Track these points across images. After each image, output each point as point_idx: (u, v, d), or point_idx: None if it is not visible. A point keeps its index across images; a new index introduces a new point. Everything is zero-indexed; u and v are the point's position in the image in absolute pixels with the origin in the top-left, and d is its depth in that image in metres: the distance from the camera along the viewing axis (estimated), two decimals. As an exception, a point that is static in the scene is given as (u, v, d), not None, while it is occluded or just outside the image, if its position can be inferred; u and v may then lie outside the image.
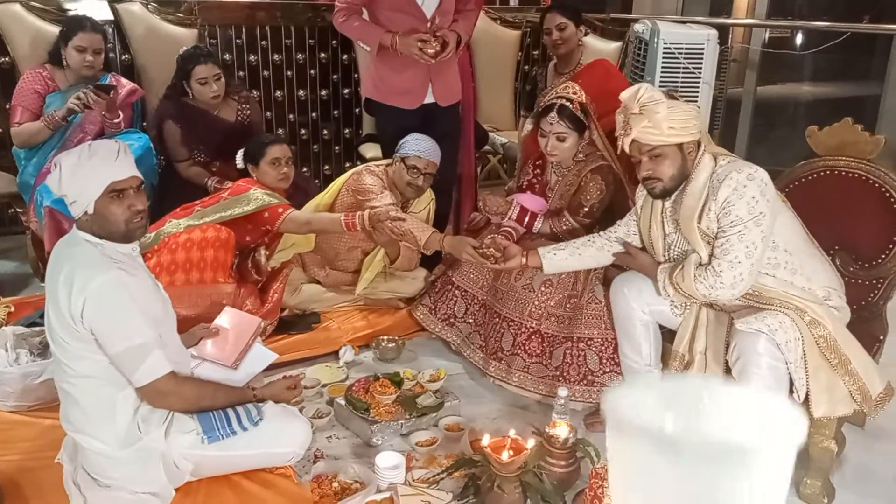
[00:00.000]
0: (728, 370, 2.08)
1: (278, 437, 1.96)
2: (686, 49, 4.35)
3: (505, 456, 1.88)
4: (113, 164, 1.80)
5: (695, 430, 0.97)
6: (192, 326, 2.32)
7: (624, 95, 2.08)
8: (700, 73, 4.38)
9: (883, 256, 2.25)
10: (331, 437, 2.35)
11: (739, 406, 1.11)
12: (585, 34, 3.47)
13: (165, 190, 3.25)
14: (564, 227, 2.70)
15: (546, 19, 3.43)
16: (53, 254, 1.88)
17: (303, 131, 4.52)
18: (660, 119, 2.00)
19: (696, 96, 4.36)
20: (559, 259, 2.44)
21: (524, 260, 2.46)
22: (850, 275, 2.27)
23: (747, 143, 5.39)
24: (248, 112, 3.42)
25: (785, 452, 0.92)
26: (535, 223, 2.73)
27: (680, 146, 2.07)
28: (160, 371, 1.81)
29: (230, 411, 1.93)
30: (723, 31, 4.69)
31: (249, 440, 1.91)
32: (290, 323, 2.91)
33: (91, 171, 1.79)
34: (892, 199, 2.21)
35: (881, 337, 2.23)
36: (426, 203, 3.09)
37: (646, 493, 1.04)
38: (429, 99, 3.14)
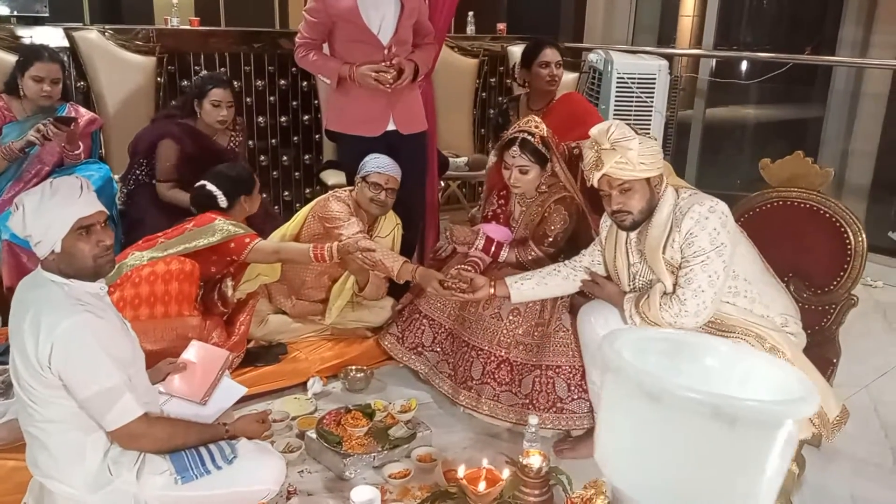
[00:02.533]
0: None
1: (253, 474, 1.93)
2: (639, 79, 4.50)
3: (482, 487, 1.90)
4: (77, 200, 1.77)
5: (678, 381, 1.12)
6: (157, 361, 2.28)
7: (594, 131, 2.14)
8: (652, 101, 4.53)
9: (834, 283, 2.36)
10: (302, 471, 2.33)
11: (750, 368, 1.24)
12: None
13: (132, 220, 3.21)
14: (530, 257, 2.75)
15: (546, 54, 3.36)
16: (17, 296, 1.83)
17: (262, 157, 4.51)
18: (632, 155, 2.07)
19: (649, 124, 4.51)
20: (526, 289, 2.49)
21: (492, 290, 2.51)
22: (803, 301, 2.37)
23: (697, 167, 5.57)
24: (239, 140, 3.45)
25: (769, 417, 1.03)
26: (501, 252, 2.78)
27: (648, 180, 2.14)
28: (132, 414, 1.77)
29: (203, 450, 1.90)
30: (670, 59, 4.86)
31: (224, 478, 1.88)
32: (257, 355, 2.88)
33: (55, 209, 1.75)
34: (843, 229, 2.32)
35: (834, 360, 2.33)
36: (391, 228, 3.11)
37: (633, 431, 1.16)
38: (391, 126, 3.17)
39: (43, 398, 1.75)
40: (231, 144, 3.41)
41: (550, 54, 3.36)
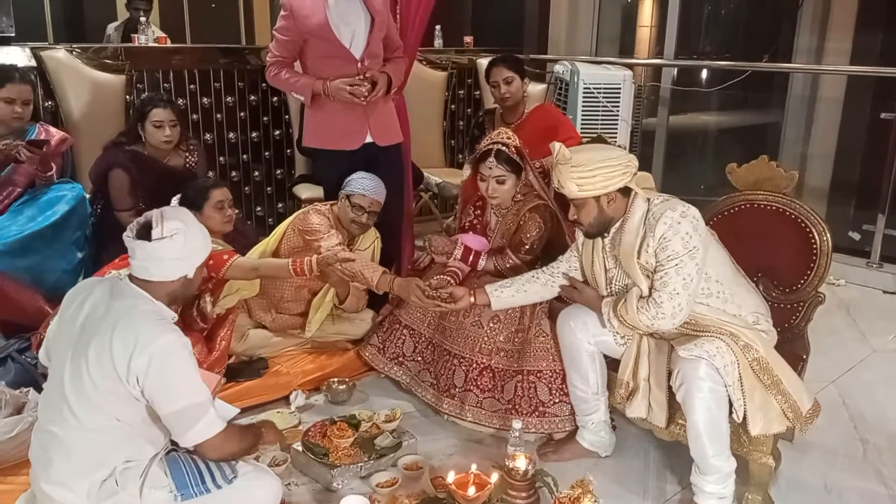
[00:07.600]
0: (670, 395, 2.21)
1: (250, 494, 1.91)
2: (605, 89, 4.60)
3: (471, 491, 1.94)
4: (208, 236, 1.98)
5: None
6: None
7: (552, 148, 2.25)
8: (618, 110, 4.64)
9: (802, 282, 2.44)
10: (289, 484, 2.34)
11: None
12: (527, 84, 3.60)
13: (102, 240, 3.18)
14: (508, 265, 2.81)
15: (492, 73, 3.45)
16: (92, 295, 1.84)
17: (234, 173, 4.50)
18: (565, 179, 2.20)
19: (616, 132, 4.62)
20: (506, 296, 2.54)
21: (472, 299, 2.55)
22: (772, 300, 2.45)
23: (662, 173, 5.69)
24: (196, 160, 3.41)
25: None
26: (480, 262, 2.83)
27: (597, 198, 2.23)
28: (216, 427, 1.82)
29: (203, 468, 1.88)
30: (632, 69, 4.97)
31: (222, 498, 1.87)
32: (238, 370, 2.89)
33: (203, 236, 1.94)
34: (808, 230, 2.41)
35: (804, 356, 2.41)
36: (371, 241, 3.14)
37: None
38: (368, 138, 3.20)
39: (98, 407, 1.76)
40: (188, 164, 3.38)
41: (496, 73, 3.43)
